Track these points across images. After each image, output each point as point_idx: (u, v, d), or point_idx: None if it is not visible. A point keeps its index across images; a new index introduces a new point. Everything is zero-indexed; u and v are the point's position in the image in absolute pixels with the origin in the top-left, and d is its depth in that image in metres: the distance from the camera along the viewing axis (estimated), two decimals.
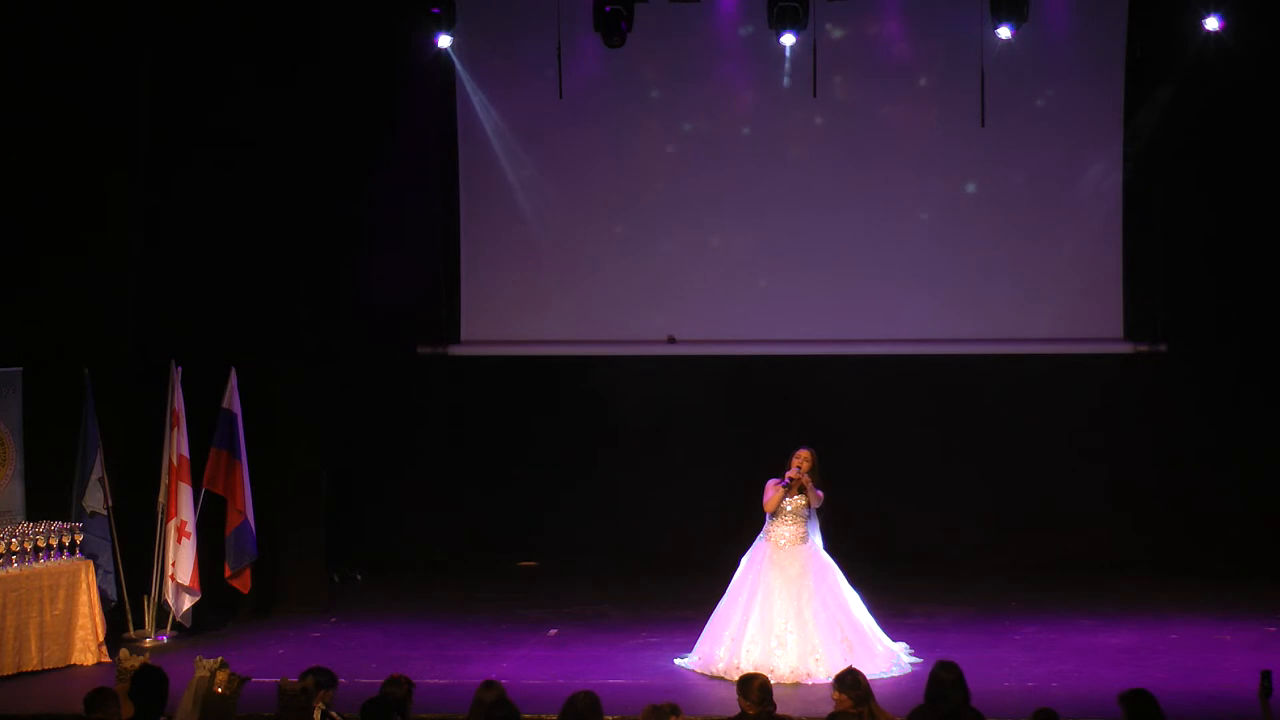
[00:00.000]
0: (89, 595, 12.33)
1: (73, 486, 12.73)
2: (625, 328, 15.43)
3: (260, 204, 13.87)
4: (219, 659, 8.73)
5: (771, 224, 15.30)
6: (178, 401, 12.92)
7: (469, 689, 8.53)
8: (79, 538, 12.46)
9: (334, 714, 8.60)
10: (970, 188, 15.22)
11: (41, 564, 12.21)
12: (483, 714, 8.18)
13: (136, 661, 9.17)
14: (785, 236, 15.29)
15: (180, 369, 12.96)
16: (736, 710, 8.63)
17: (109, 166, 13.28)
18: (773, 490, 11.74)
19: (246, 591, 13.36)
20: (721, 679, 11.39)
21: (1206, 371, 14.89)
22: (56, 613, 12.17)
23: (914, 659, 11.87)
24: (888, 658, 11.71)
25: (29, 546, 12.14)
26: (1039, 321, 15.15)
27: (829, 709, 8.60)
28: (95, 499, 12.66)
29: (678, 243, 15.41)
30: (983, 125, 14.56)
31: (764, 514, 11.86)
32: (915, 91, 15.15)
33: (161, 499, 13.03)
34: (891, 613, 12.60)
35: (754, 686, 8.52)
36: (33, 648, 12.03)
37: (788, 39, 14.47)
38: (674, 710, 8.01)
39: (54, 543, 12.29)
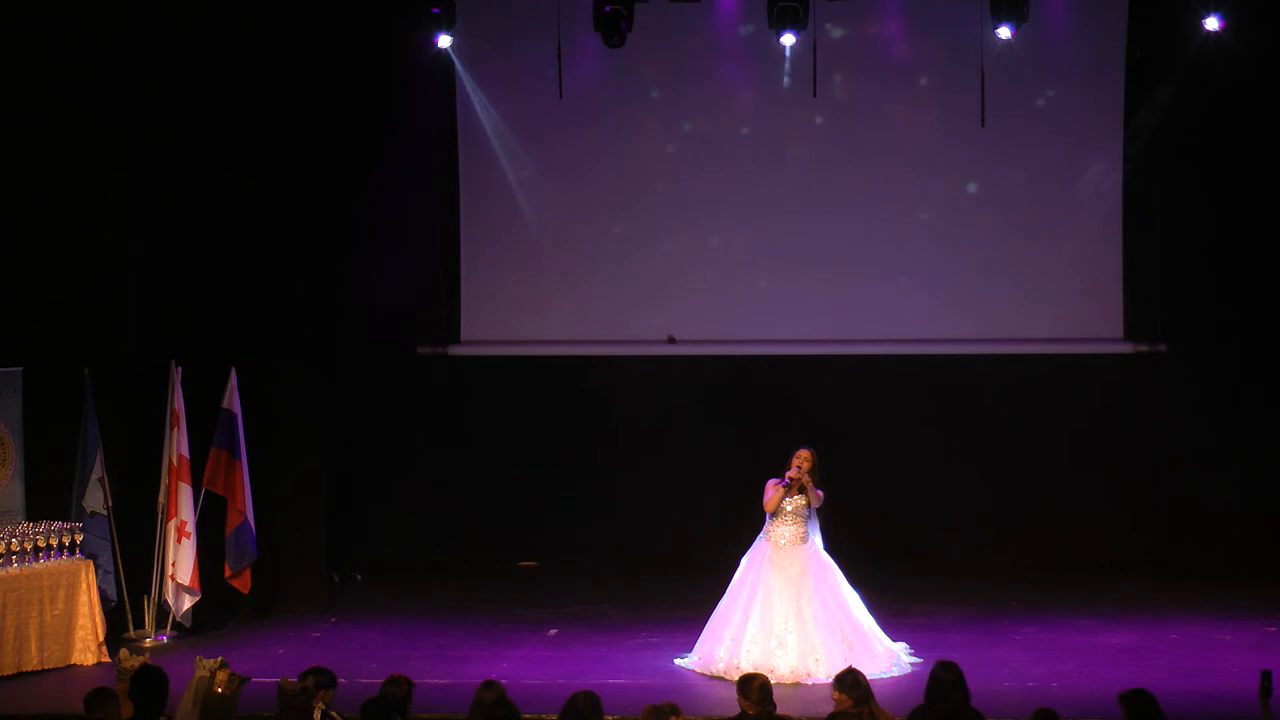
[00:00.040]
0: (89, 595, 12.33)
1: (73, 486, 12.73)
2: (625, 328, 15.43)
3: (260, 204, 13.88)
4: (219, 659, 8.73)
5: (771, 224, 15.30)
6: (178, 401, 12.92)
7: (469, 689, 8.53)
8: (79, 538, 12.46)
9: (334, 714, 8.60)
10: (970, 188, 15.22)
11: (41, 564, 12.21)
12: (483, 714, 8.17)
13: (136, 661, 9.17)
14: (785, 236, 15.29)
15: (180, 369, 12.96)
16: (736, 710, 8.63)
17: (109, 166, 13.28)
18: (773, 490, 11.74)
19: (246, 591, 13.36)
20: (721, 679, 11.39)
21: (1206, 371, 14.89)
22: (56, 613, 12.17)
23: (914, 659, 11.87)
24: (888, 658, 11.71)
25: (29, 546, 12.14)
26: (1039, 321, 15.15)
27: (829, 709, 8.60)
28: (95, 499, 12.66)
29: (678, 243, 15.41)
30: (983, 125, 14.56)
31: (764, 514, 11.86)
32: (915, 91, 15.15)
33: (161, 499, 13.03)
34: (891, 613, 12.60)
35: (754, 686, 8.52)
36: (33, 648, 12.03)
37: (788, 39, 14.47)
38: (674, 710, 8.00)
39: (54, 543, 12.29)
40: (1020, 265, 15.17)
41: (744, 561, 11.89)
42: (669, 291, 15.42)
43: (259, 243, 13.86)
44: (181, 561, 12.84)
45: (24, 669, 11.96)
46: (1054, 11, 14.67)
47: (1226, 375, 14.86)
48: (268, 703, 8.92)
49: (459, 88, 15.38)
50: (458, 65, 15.26)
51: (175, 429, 12.92)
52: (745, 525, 12.20)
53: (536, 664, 12.03)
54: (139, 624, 13.00)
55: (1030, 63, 14.73)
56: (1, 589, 11.90)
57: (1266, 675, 7.83)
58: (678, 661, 11.93)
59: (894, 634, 12.08)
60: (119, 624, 12.82)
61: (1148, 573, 14.86)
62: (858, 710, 8.47)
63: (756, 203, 15.26)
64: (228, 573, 13.17)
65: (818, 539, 11.89)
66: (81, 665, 12.23)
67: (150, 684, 8.25)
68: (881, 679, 11.09)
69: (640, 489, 15.46)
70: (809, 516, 11.83)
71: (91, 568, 12.42)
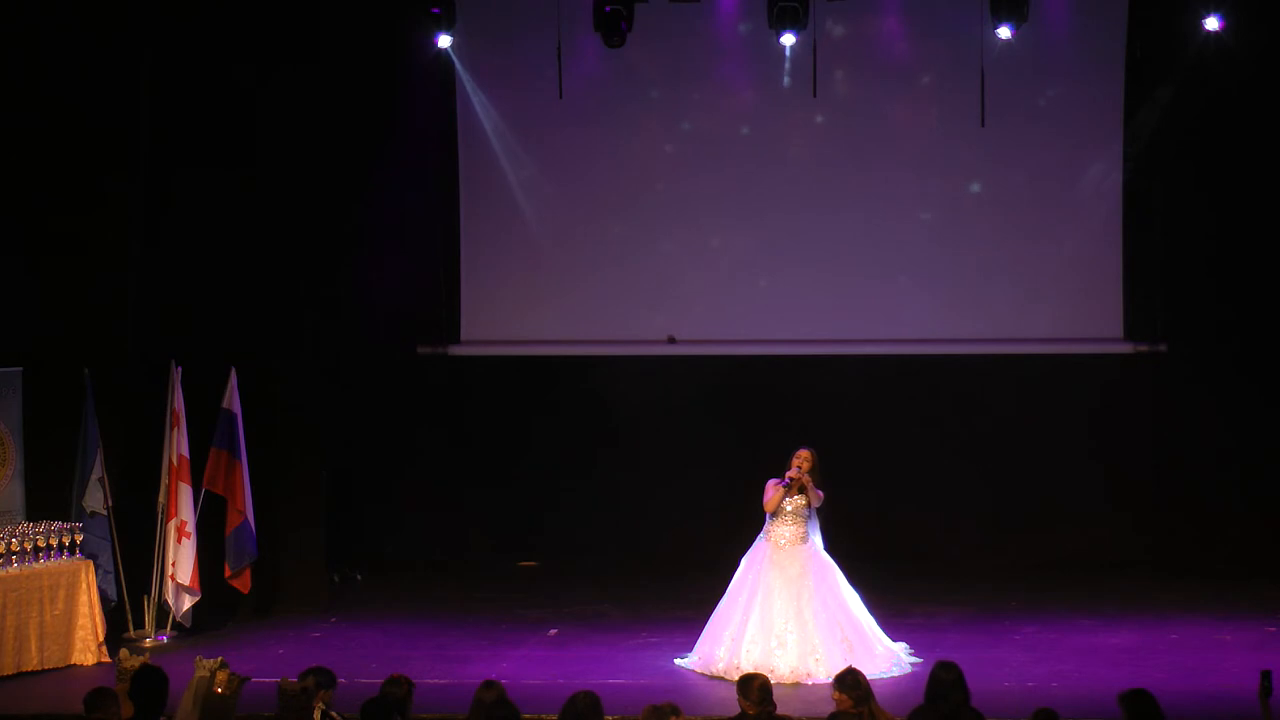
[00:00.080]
0: (89, 595, 12.33)
1: (73, 486, 12.73)
2: (625, 328, 15.43)
3: (260, 204, 13.88)
4: (219, 659, 8.73)
5: (771, 224, 15.30)
6: (178, 401, 12.92)
7: (469, 689, 8.53)
8: (79, 538, 12.46)
9: (334, 714, 8.60)
10: (970, 188, 15.22)
11: (41, 564, 12.21)
12: (483, 714, 8.17)
13: (136, 661, 9.17)
14: (785, 236, 15.29)
15: (180, 369, 12.96)
16: (736, 710, 8.63)
17: (109, 166, 13.28)
18: (773, 490, 11.74)
19: (246, 591, 13.36)
20: (721, 679, 11.39)
21: (1206, 371, 14.89)
22: (56, 613, 12.17)
23: (914, 659, 11.87)
24: (888, 658, 11.71)
25: (29, 546, 12.14)
26: (1039, 321, 15.15)
27: (829, 709, 8.60)
28: (95, 499, 12.66)
29: (677, 243, 15.42)
30: (983, 125, 14.56)
31: (764, 514, 11.86)
32: (915, 91, 15.15)
33: (161, 499, 13.03)
34: (891, 613, 12.60)
35: (754, 686, 8.52)
36: (33, 648, 12.03)
37: (788, 39, 14.47)
38: (674, 710, 8.00)
39: (54, 543, 12.29)
40: (1020, 265, 15.17)
41: (744, 561, 11.88)
42: (669, 291, 15.42)
43: (259, 243, 13.86)
44: (181, 561, 12.84)
45: (24, 669, 11.96)
46: (1054, 11, 14.67)
47: (1226, 375, 14.86)
48: (268, 703, 8.92)
49: (459, 88, 15.38)
50: (458, 65, 15.26)
51: (175, 429, 12.92)
52: (745, 525, 12.20)
53: (536, 664, 12.03)
54: (139, 624, 13.00)
55: (1030, 63, 14.73)
56: (1, 589, 11.90)
57: (1266, 675, 7.83)
58: (678, 661, 11.93)
59: (894, 634, 12.08)
60: (119, 624, 12.82)
61: (1148, 573, 14.85)
62: (858, 710, 8.47)
63: (756, 202, 15.26)
64: (228, 573, 13.17)
65: (818, 539, 11.89)
66: (81, 665, 12.22)
67: (150, 684, 8.25)
68: (881, 679, 11.09)
69: (640, 489, 15.46)
70: (809, 516, 11.83)
71: (91, 568, 12.42)
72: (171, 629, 13.02)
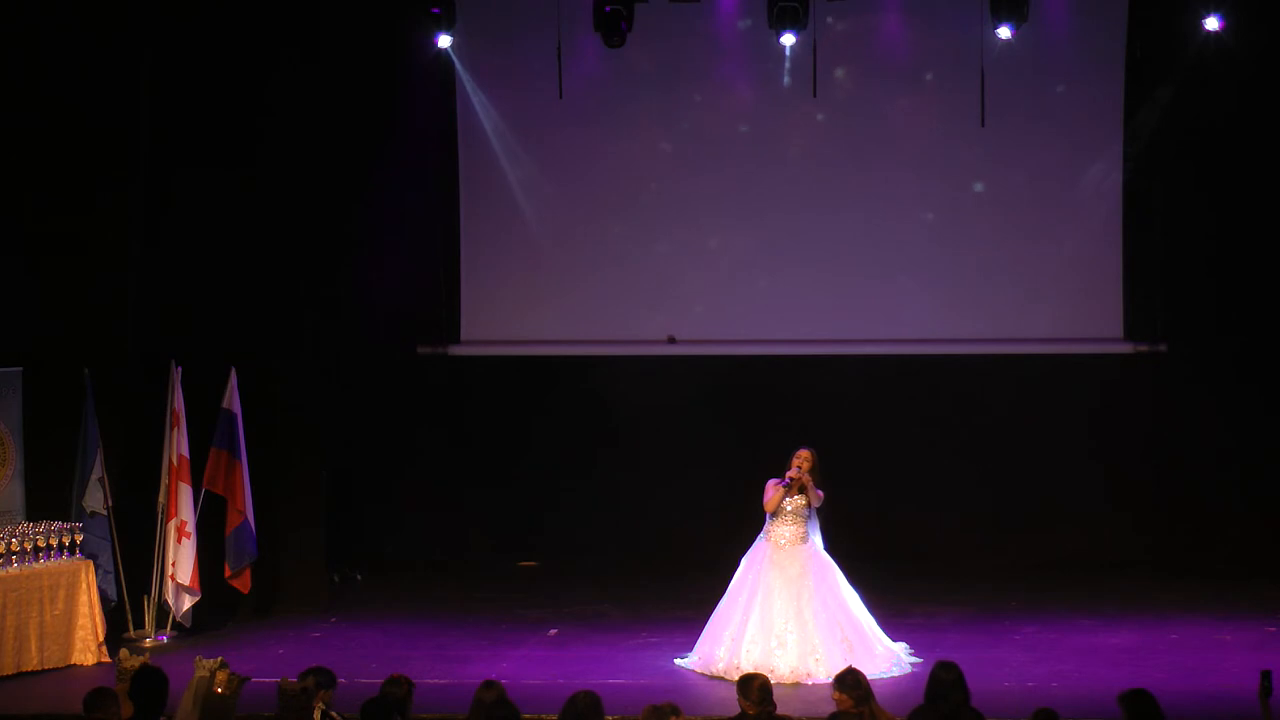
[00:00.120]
0: (89, 595, 12.33)
1: (73, 486, 12.73)
2: (625, 328, 15.43)
3: (260, 204, 13.87)
4: (219, 659, 8.72)
5: (771, 224, 15.30)
6: (178, 401, 12.92)
7: (469, 689, 8.53)
8: (79, 538, 12.46)
9: (334, 714, 8.60)
10: (970, 187, 15.22)
11: (41, 564, 12.21)
12: (483, 714, 8.17)
13: (136, 661, 9.16)
14: (785, 236, 15.29)
15: (180, 369, 12.96)
16: (736, 710, 8.62)
17: (109, 166, 13.28)
18: (773, 490, 11.74)
19: (246, 591, 13.36)
20: (721, 679, 11.39)
21: (1206, 371, 14.89)
22: (56, 613, 12.17)
23: (914, 659, 11.87)
24: (888, 658, 11.71)
25: (29, 546, 12.14)
26: (1039, 321, 15.15)
27: (829, 709, 8.60)
28: (95, 499, 12.66)
29: (677, 243, 15.41)
30: (983, 125, 14.57)
31: (764, 514, 11.86)
32: (915, 91, 15.14)
33: (161, 499, 13.03)
34: (891, 613, 12.60)
35: (754, 686, 8.52)
36: (33, 648, 12.02)
37: (788, 39, 14.47)
38: (674, 710, 8.00)
39: (54, 543, 12.29)
40: (1020, 265, 15.17)
41: (744, 561, 11.88)
42: (669, 291, 15.42)
43: (259, 243, 13.86)
44: (181, 561, 12.84)
45: (24, 669, 11.96)
46: (1054, 11, 14.67)
47: (1226, 375, 14.86)
48: (268, 703, 8.92)
49: (459, 88, 15.37)
50: (458, 65, 15.26)
51: (175, 429, 12.92)
52: (745, 525, 12.20)
53: (536, 664, 12.03)
54: (139, 624, 13.00)
55: (1030, 63, 14.73)
56: (1, 589, 11.90)
57: (1266, 675, 7.83)
58: (678, 661, 11.93)
59: (894, 634, 12.08)
60: (119, 624, 12.82)
61: (1148, 573, 14.85)
62: (858, 710, 8.47)
63: (756, 202, 15.26)
64: (228, 573, 13.17)
65: (818, 539, 11.89)
66: (81, 665, 12.22)
67: (150, 684, 8.25)
68: (881, 679, 11.08)
69: (640, 489, 15.46)
70: (809, 516, 11.83)
71: (91, 568, 12.42)
72: (171, 629, 13.02)
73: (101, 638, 12.33)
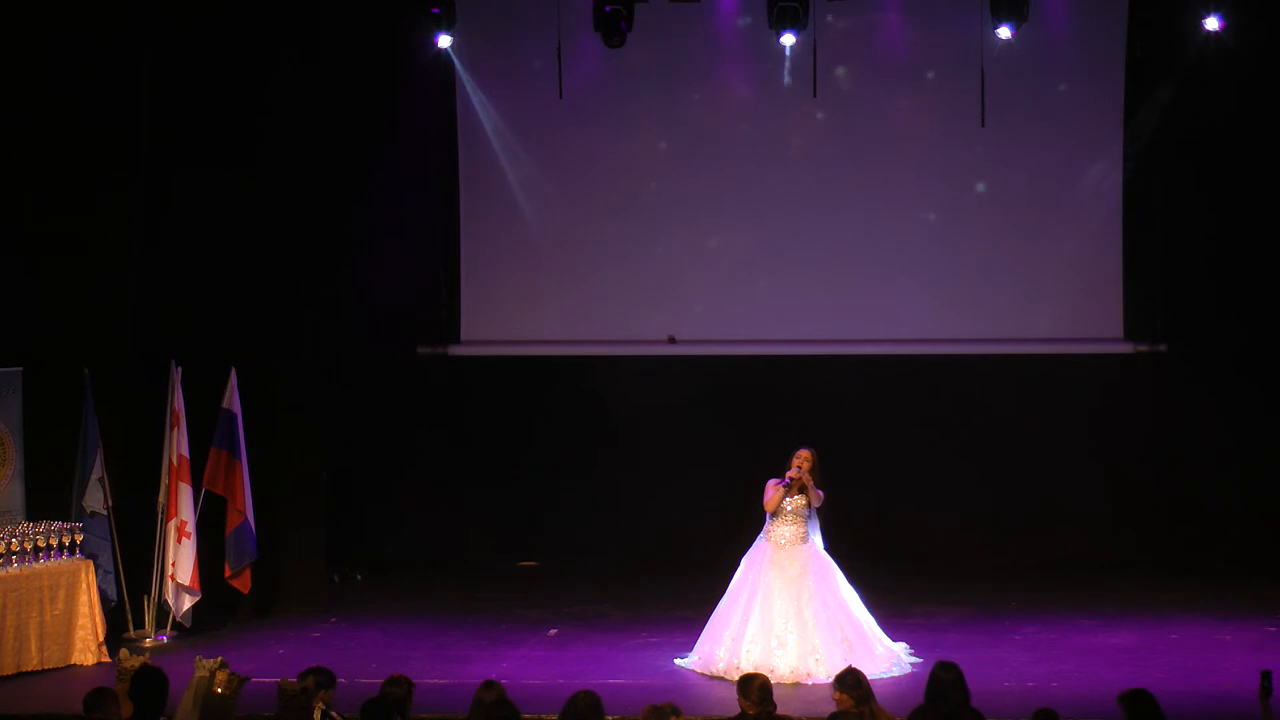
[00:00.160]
0: (89, 595, 12.33)
1: (73, 486, 12.73)
2: (625, 328, 15.43)
3: (260, 204, 13.88)
4: (219, 659, 8.73)
5: (771, 224, 15.30)
6: (178, 401, 12.92)
7: (469, 689, 8.53)
8: (79, 538, 12.46)
9: (334, 714, 8.60)
10: (971, 187, 15.22)
11: (41, 564, 12.21)
12: (483, 714, 8.18)
13: (136, 661, 9.16)
14: (785, 236, 15.29)
15: (180, 369, 12.96)
16: (736, 710, 8.63)
17: (109, 166, 13.28)
18: (773, 490, 11.74)
19: (246, 591, 13.36)
20: (721, 679, 11.39)
21: (1206, 371, 14.89)
22: (56, 613, 12.17)
23: (914, 659, 11.87)
24: (888, 658, 11.71)
25: (29, 546, 12.14)
26: (1039, 321, 15.14)
27: (829, 709, 8.60)
28: (95, 499, 12.66)
29: (677, 243, 15.41)
30: (983, 125, 14.57)
31: (764, 514, 11.86)
32: (915, 91, 15.14)
33: (161, 499, 13.03)
34: (891, 613, 12.60)
35: (754, 686, 8.52)
36: (33, 648, 12.03)
37: (788, 39, 14.47)
38: (674, 710, 8.01)
39: (54, 543, 12.29)
40: (1020, 265, 15.17)
41: (744, 561, 11.88)
42: (669, 291, 15.42)
43: (259, 243, 13.86)
44: (181, 561, 12.84)
45: (24, 669, 11.96)
46: (1054, 11, 14.67)
47: (1226, 375, 14.86)
48: (268, 703, 8.92)
49: (459, 88, 15.37)
50: (458, 65, 15.26)
51: (175, 429, 12.92)
52: (745, 525, 12.20)
53: (536, 664, 12.03)
54: (139, 624, 13.00)
55: (1030, 63, 14.73)
56: (1, 589, 11.90)
57: (1266, 675, 7.83)
58: (678, 661, 11.93)
59: (894, 634, 12.08)
60: (119, 624, 12.82)
61: (1148, 573, 14.85)
62: (858, 710, 8.47)
63: (756, 202, 15.26)
64: (228, 573, 13.17)
65: (818, 539, 11.89)
66: (81, 665, 12.22)
67: (150, 684, 8.25)
68: (881, 679, 11.08)
69: (640, 489, 15.46)
70: (809, 516, 11.83)
71: (91, 568, 12.42)
72: (171, 629, 13.02)
73: (101, 638, 12.33)
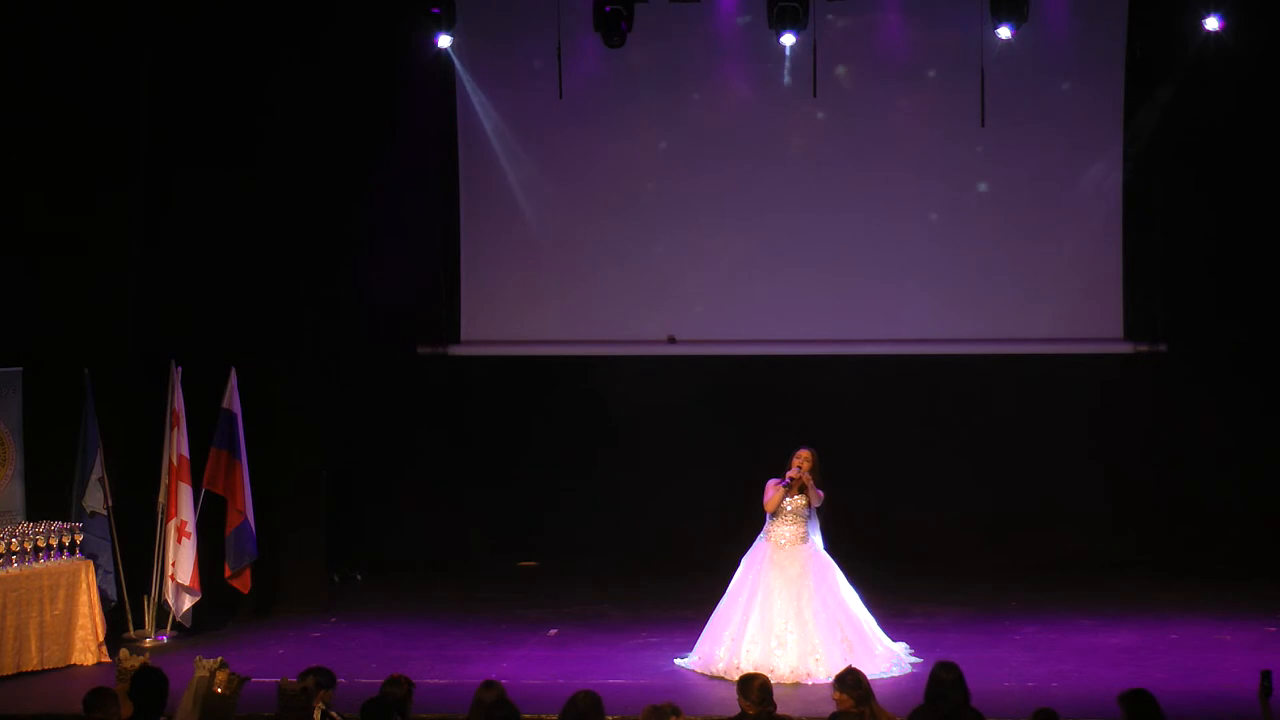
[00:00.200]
0: (89, 595, 12.33)
1: (73, 486, 12.73)
2: (625, 328, 15.43)
3: (260, 204, 13.88)
4: (219, 659, 8.73)
5: (771, 224, 15.30)
6: (178, 401, 12.92)
7: (469, 689, 8.53)
8: (79, 538, 12.46)
9: (334, 714, 8.60)
10: (971, 187, 15.22)
11: (41, 564, 12.21)
12: (483, 714, 8.17)
13: (136, 661, 9.16)
14: (785, 236, 15.28)
15: (180, 369, 12.96)
16: (736, 710, 8.62)
17: (109, 166, 13.28)
18: (773, 490, 11.74)
19: (246, 591, 13.36)
20: (721, 679, 11.38)
21: (1206, 371, 14.89)
22: (56, 613, 12.17)
23: (914, 659, 11.86)
24: (888, 658, 11.71)
25: (29, 546, 12.14)
26: (1039, 321, 15.14)
27: (829, 709, 8.60)
28: (95, 499, 12.66)
29: (677, 243, 15.41)
30: (983, 125, 14.57)
31: (764, 514, 11.86)
32: (916, 91, 15.14)
33: (161, 499, 13.03)
34: (891, 613, 12.60)
35: (754, 686, 8.52)
36: (33, 648, 12.03)
37: (788, 39, 14.47)
38: (674, 710, 8.01)
39: (54, 543, 12.29)
40: (1020, 265, 15.17)
41: (744, 561, 11.88)
42: (669, 291, 15.42)
43: (259, 243, 13.86)
44: (181, 561, 12.84)
45: (24, 669, 11.96)
46: (1054, 11, 14.67)
47: (1226, 375, 14.87)
48: (268, 703, 8.92)
49: (459, 88, 15.37)
50: (458, 65, 15.26)
51: (175, 429, 12.92)
52: (745, 525, 12.20)
53: (536, 664, 12.03)
54: (139, 624, 13.00)
55: (1030, 63, 14.73)
56: (1, 589, 11.90)
57: (1266, 675, 7.83)
58: (678, 661, 11.93)
59: (894, 634, 12.08)
60: (119, 624, 12.82)
61: (1148, 573, 14.85)
62: (858, 710, 8.47)
63: (756, 202, 15.26)
64: (228, 573, 13.17)
65: (818, 539, 11.89)
66: (81, 665, 12.22)
67: (150, 684, 8.25)
68: (881, 679, 11.08)
69: (640, 489, 15.46)
70: (809, 516, 11.83)
71: (91, 568, 12.42)
72: (171, 629, 13.02)
73: (101, 638, 12.33)
